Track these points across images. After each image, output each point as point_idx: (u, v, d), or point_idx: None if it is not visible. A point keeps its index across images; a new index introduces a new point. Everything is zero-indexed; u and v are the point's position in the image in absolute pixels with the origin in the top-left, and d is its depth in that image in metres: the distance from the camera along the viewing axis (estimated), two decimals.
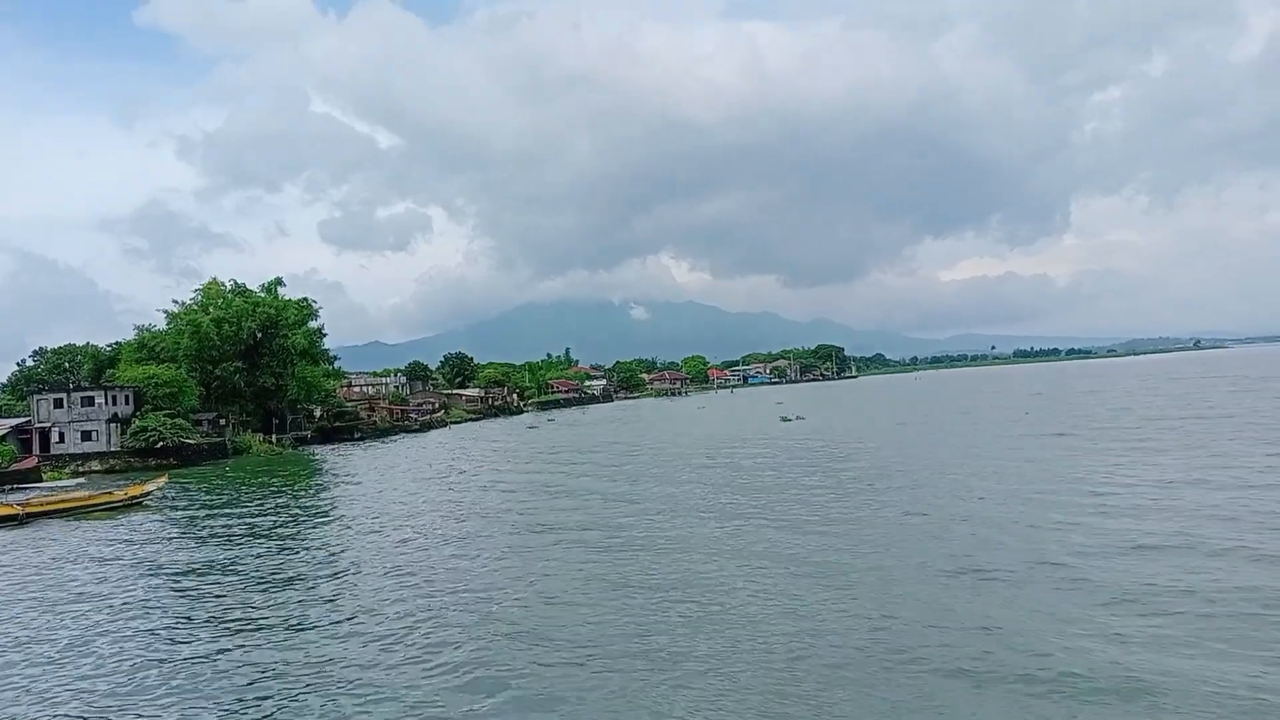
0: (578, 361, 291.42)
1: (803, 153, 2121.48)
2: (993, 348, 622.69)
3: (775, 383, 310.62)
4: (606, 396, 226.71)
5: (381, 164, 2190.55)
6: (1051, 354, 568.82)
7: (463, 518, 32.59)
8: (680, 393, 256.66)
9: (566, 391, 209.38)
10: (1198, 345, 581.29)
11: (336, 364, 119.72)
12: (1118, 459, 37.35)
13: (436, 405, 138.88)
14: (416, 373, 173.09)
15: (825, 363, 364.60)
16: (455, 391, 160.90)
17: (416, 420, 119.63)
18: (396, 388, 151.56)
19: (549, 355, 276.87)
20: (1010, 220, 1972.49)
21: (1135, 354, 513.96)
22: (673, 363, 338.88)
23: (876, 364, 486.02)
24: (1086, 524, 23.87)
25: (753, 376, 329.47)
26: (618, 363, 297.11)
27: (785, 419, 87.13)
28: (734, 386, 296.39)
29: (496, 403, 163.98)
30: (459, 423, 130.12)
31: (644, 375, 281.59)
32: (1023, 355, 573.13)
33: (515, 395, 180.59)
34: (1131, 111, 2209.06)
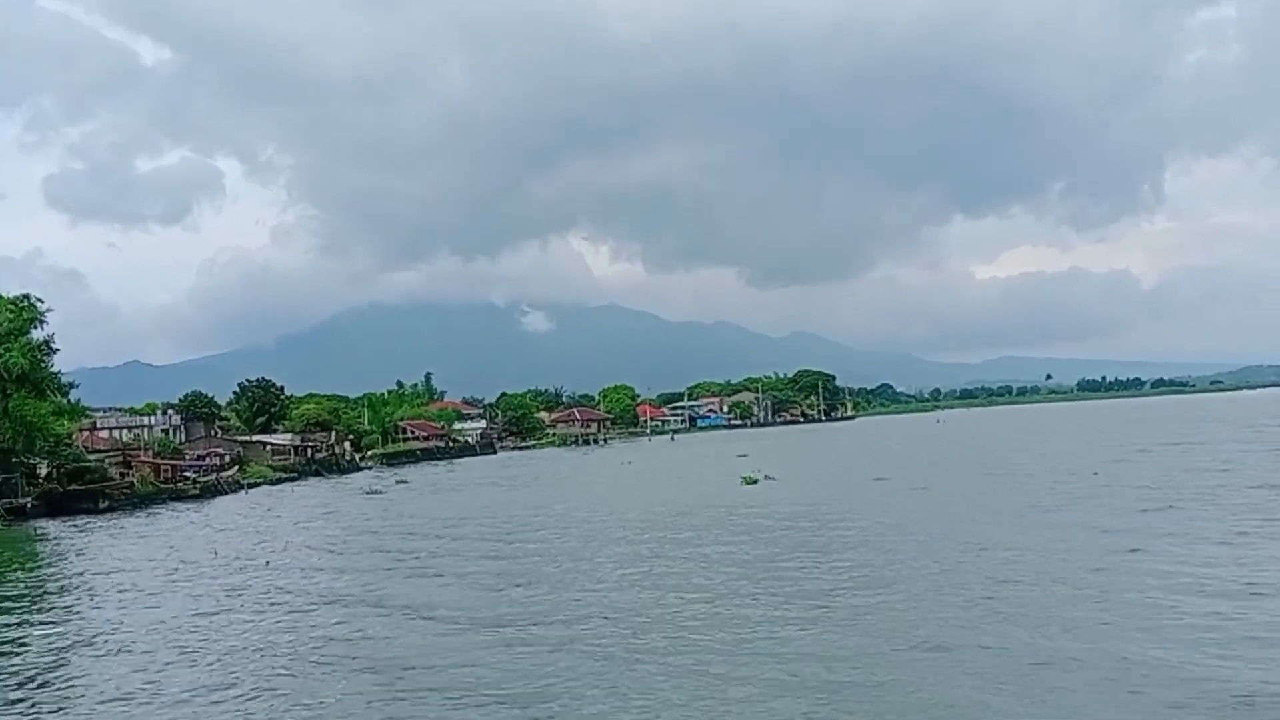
0: (444, 393, 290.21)
1: (774, 89, 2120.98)
2: (1048, 376, 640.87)
3: (737, 425, 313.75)
4: (488, 445, 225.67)
5: (145, 90, 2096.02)
6: (1132, 385, 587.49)
7: (243, 669, 31.73)
8: (598, 440, 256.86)
9: (426, 438, 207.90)
10: None
11: (73, 395, 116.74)
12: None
13: (227, 459, 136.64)
14: (197, 409, 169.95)
15: (808, 396, 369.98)
16: (257, 438, 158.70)
17: (195, 483, 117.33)
18: (166, 431, 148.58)
19: (400, 384, 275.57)
20: (1077, 192, 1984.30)
21: (1249, 387, 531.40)
22: (587, 395, 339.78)
23: (882, 398, 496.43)
24: None
25: (704, 416, 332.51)
26: (504, 395, 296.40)
27: (749, 479, 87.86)
28: (676, 430, 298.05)
29: (319, 454, 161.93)
30: (261, 484, 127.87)
31: (543, 414, 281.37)
32: (1090, 387, 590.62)
33: (348, 443, 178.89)
34: (1251, 35, 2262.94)
